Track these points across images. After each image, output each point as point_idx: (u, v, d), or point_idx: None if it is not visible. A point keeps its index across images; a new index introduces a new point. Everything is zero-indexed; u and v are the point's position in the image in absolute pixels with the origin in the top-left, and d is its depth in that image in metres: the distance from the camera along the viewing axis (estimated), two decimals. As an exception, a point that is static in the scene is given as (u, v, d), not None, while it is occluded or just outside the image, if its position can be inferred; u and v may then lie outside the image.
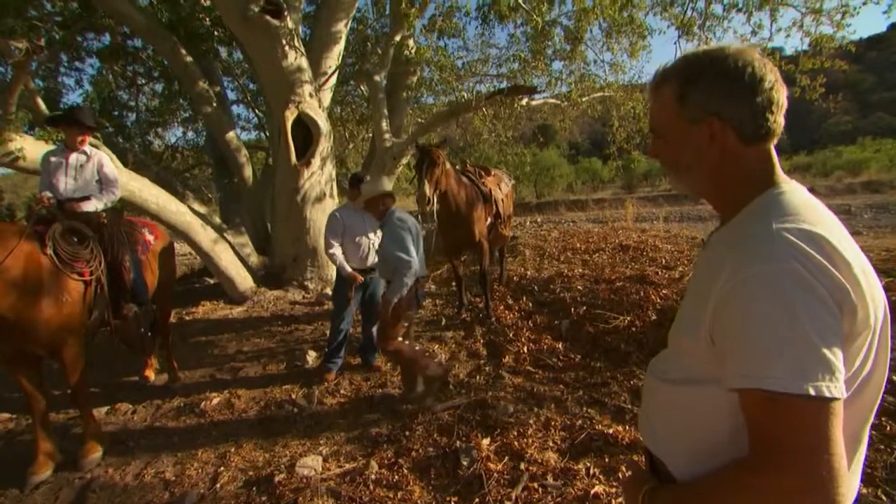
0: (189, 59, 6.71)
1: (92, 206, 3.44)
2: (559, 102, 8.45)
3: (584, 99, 7.82)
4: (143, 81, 8.81)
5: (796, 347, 0.68)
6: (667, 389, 0.95)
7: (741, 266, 0.75)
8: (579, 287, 5.41)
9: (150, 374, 4.18)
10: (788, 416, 0.69)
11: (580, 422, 3.01)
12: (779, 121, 0.86)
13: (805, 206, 0.81)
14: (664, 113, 0.92)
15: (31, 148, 4.19)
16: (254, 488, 2.60)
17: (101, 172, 3.55)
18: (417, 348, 3.55)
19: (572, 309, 4.82)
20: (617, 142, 8.78)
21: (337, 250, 3.90)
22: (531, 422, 3.03)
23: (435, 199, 4.18)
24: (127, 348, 3.63)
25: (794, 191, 0.85)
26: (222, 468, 2.80)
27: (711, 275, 0.81)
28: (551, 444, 2.81)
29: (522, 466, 2.60)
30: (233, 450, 2.99)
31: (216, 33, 7.32)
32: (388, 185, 3.58)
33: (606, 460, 2.60)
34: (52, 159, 3.43)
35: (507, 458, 2.69)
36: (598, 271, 5.95)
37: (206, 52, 7.60)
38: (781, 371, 0.68)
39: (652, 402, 1.03)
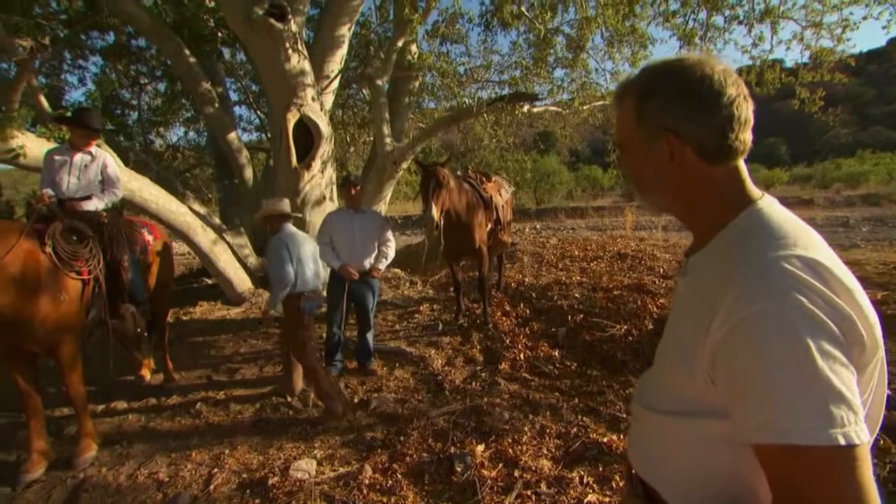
0: (192, 59, 6.73)
1: (93, 205, 3.45)
2: (560, 110, 8.50)
3: (585, 107, 7.84)
4: (146, 81, 8.82)
5: (815, 392, 0.62)
6: (658, 420, 0.90)
7: (742, 304, 0.68)
8: (577, 295, 5.43)
9: (146, 374, 4.15)
10: (818, 471, 0.62)
11: (575, 430, 3.01)
12: (743, 138, 0.80)
13: (788, 224, 0.76)
14: (625, 128, 0.87)
15: (32, 145, 4.20)
16: (247, 491, 2.60)
17: (104, 172, 3.57)
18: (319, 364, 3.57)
19: (569, 316, 4.83)
20: (617, 150, 8.82)
21: (325, 248, 3.94)
22: (526, 429, 3.03)
23: (441, 220, 4.15)
24: (123, 348, 3.63)
25: (770, 205, 0.80)
26: (216, 470, 2.80)
27: (705, 308, 0.74)
28: (546, 451, 2.82)
29: (516, 474, 2.60)
30: (227, 451, 2.99)
31: (220, 34, 7.35)
32: (286, 206, 3.61)
33: (601, 469, 2.61)
34: (56, 158, 3.45)
35: (501, 464, 2.70)
36: (596, 279, 5.97)
37: (209, 53, 7.63)
38: (803, 421, 0.62)
39: (642, 431, 0.97)
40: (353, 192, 4.00)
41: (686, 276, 0.90)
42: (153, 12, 6.91)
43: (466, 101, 6.44)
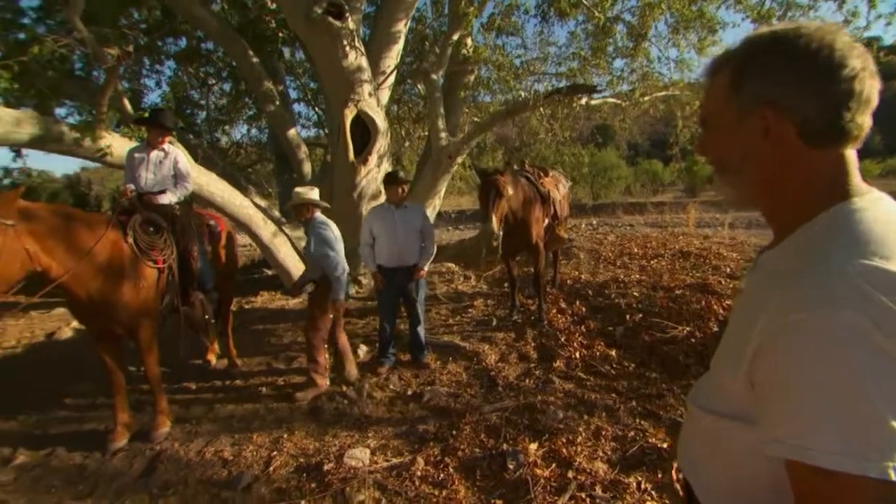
0: (255, 59, 7.03)
1: (167, 198, 3.68)
2: (619, 102, 8.16)
3: (646, 98, 7.50)
4: (213, 81, 9.33)
5: (854, 416, 0.56)
6: (706, 420, 0.84)
7: (789, 307, 0.61)
8: (636, 293, 5.21)
9: (213, 359, 4.42)
10: (844, 500, 0.58)
11: (632, 433, 2.89)
12: (860, 120, 0.67)
13: (884, 229, 0.64)
14: (715, 101, 0.77)
15: (117, 145, 4.54)
16: (304, 475, 2.69)
17: (176, 168, 3.80)
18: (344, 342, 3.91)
19: (628, 315, 4.65)
20: (680, 143, 8.35)
21: (365, 249, 3.99)
22: (581, 429, 2.94)
23: (501, 231, 4.10)
24: (192, 333, 3.87)
25: (873, 206, 0.67)
26: (275, 452, 2.92)
27: (756, 307, 0.67)
28: (601, 454, 2.73)
29: (570, 475, 2.53)
30: (285, 436, 3.11)
31: (281, 35, 7.64)
32: (316, 195, 3.71)
33: (660, 476, 2.48)
34: (136, 155, 3.72)
35: (554, 464, 2.63)
36: (656, 278, 5.71)
37: (270, 53, 7.95)
38: (829, 444, 0.56)
39: (691, 431, 0.91)
40: (400, 191, 3.95)
41: (753, 273, 0.82)
42: (220, 16, 7.28)
43: (522, 94, 6.32)
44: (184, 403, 3.65)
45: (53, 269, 2.64)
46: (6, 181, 10.05)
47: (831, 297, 0.59)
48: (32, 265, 2.53)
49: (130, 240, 3.08)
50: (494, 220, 3.98)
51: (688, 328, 4.21)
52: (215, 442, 3.10)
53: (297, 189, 3.76)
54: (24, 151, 6.61)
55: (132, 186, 3.56)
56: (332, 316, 3.74)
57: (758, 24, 6.07)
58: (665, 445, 2.70)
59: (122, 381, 3.17)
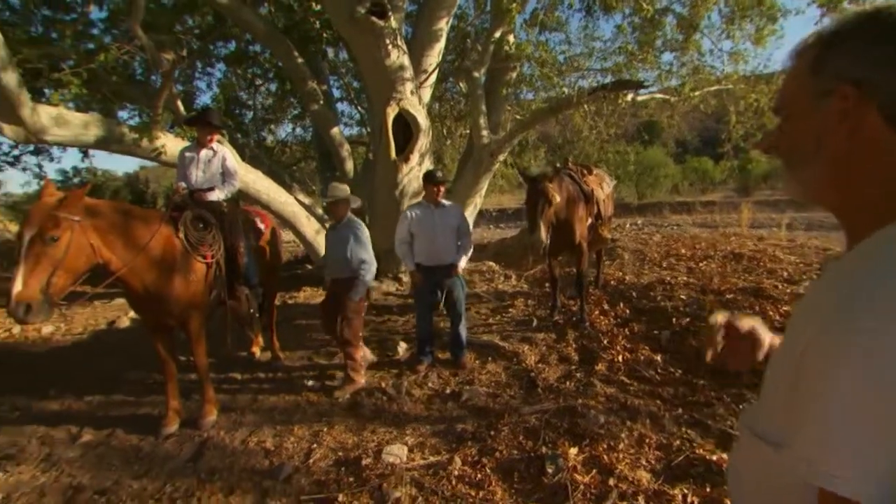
0: (300, 59, 7.22)
1: (216, 195, 3.82)
2: (667, 97, 7.86)
3: (696, 93, 7.19)
4: (260, 82, 9.67)
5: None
6: (750, 441, 0.75)
7: (838, 314, 0.55)
8: (682, 296, 4.99)
9: (257, 351, 4.57)
10: None
11: (678, 442, 2.76)
12: None
13: None
14: (793, 84, 0.70)
15: (171, 144, 4.77)
16: (343, 468, 2.72)
17: (224, 166, 3.94)
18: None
19: (674, 319, 4.46)
20: (733, 139, 7.95)
21: (403, 247, 3.99)
22: (623, 435, 2.84)
23: (548, 241, 4.01)
24: (238, 326, 4.01)
25: None
26: (315, 445, 2.98)
27: (809, 316, 0.62)
28: (644, 462, 2.62)
29: (611, 482, 2.44)
30: (325, 430, 3.17)
31: (325, 35, 7.81)
32: (348, 192, 3.76)
33: (708, 490, 2.35)
34: (187, 154, 3.88)
35: (595, 470, 2.55)
36: (705, 280, 5.45)
37: (314, 54, 8.15)
38: (856, 470, 0.51)
39: (738, 450, 0.82)
40: (438, 190, 3.95)
41: (818, 279, 0.74)
42: (267, 19, 7.52)
43: (566, 90, 6.19)
44: (229, 393, 3.79)
45: (113, 263, 2.80)
46: (76, 179, 10.80)
47: (885, 313, 0.52)
48: (96, 259, 2.70)
49: (182, 235, 3.22)
50: (542, 229, 3.88)
51: (740, 334, 3.99)
52: (258, 432, 3.19)
53: (335, 183, 3.82)
54: (91, 152, 7.08)
55: (184, 184, 3.73)
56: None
57: (824, 9, 5.65)
58: (714, 458, 2.56)
59: (173, 369, 3.32)
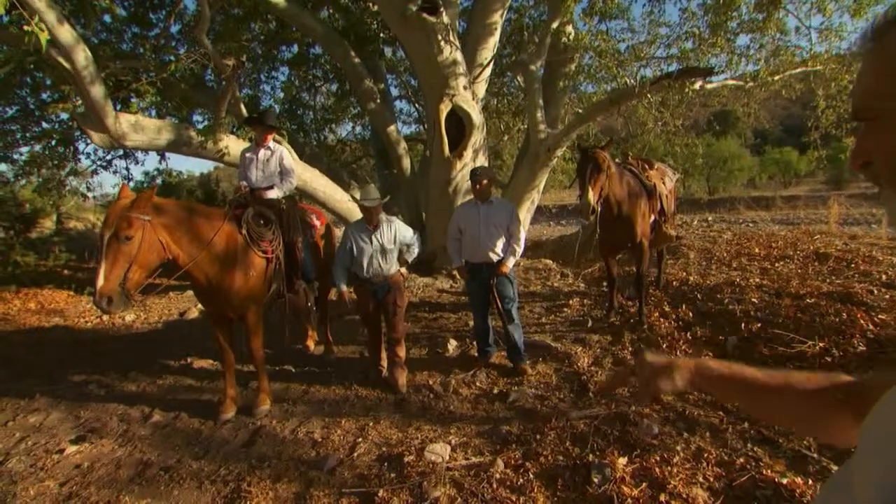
0: (357, 60, 7.39)
1: (274, 193, 3.99)
2: (742, 84, 7.23)
3: (776, 77, 6.55)
4: (320, 83, 10.01)
5: None
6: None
7: None
8: (754, 300, 4.58)
9: (311, 345, 4.74)
10: None
11: (741, 460, 2.52)
12: None
13: None
14: (881, 77, 0.52)
15: (234, 145, 5.05)
16: (385, 464, 2.74)
17: (281, 164, 4.10)
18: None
19: (743, 324, 4.11)
20: (822, 127, 7.14)
21: (453, 244, 3.97)
22: (678, 448, 2.64)
23: (599, 207, 3.87)
24: (294, 319, 4.16)
25: None
26: (360, 439, 3.03)
27: None
28: (701, 479, 2.41)
29: (663, 498, 2.27)
30: (371, 424, 3.21)
31: (381, 35, 7.94)
32: (377, 193, 3.78)
33: (777, 516, 2.13)
34: (247, 155, 4.08)
35: (644, 484, 2.39)
36: (781, 283, 4.96)
37: (371, 53, 8.31)
38: None
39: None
40: (478, 186, 3.85)
41: None
42: (326, 22, 7.76)
43: (628, 81, 5.87)
44: (283, 385, 3.94)
45: (181, 258, 3.01)
46: (158, 180, 11.75)
47: None
48: (166, 255, 2.92)
49: (244, 231, 3.39)
50: (591, 193, 3.76)
51: (821, 344, 3.59)
52: (308, 423, 3.30)
53: (370, 186, 3.88)
54: (167, 154, 7.64)
55: (245, 183, 3.92)
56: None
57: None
58: (785, 482, 2.31)
59: (231, 359, 3.51)
